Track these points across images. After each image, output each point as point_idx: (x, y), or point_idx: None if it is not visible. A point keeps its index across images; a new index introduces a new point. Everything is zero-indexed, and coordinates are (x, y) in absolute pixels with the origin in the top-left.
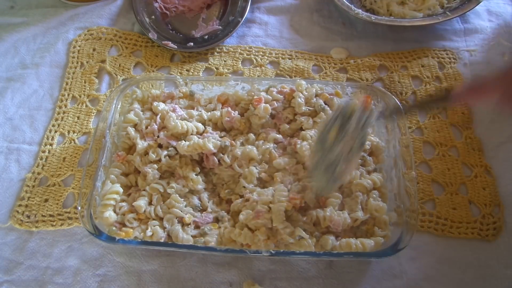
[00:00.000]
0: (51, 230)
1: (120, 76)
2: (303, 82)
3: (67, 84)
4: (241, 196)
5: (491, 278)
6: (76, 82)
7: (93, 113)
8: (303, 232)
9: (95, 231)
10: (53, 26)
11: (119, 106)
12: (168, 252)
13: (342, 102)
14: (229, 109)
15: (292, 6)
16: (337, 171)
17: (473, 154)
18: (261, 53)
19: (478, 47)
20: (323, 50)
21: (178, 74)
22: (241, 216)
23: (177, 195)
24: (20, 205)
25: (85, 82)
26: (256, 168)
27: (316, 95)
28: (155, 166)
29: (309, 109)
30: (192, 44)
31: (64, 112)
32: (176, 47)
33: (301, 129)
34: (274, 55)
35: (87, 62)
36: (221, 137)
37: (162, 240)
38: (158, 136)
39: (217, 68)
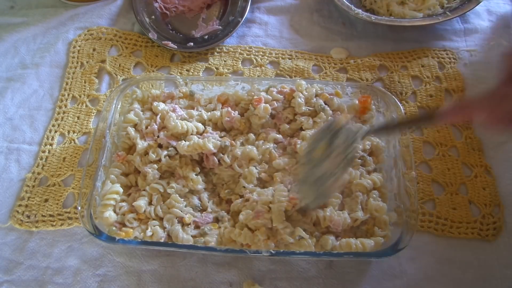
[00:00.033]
0: (51, 230)
1: (120, 76)
2: (303, 82)
3: (67, 84)
4: (241, 196)
5: (491, 278)
6: (76, 82)
7: (93, 113)
8: (303, 232)
9: (95, 231)
10: (53, 26)
11: (119, 106)
12: (168, 252)
13: (330, 118)
14: (229, 109)
15: (292, 6)
16: (324, 186)
17: (473, 154)
18: (261, 53)
19: (478, 47)
20: (323, 50)
21: (178, 74)
22: (241, 216)
23: (177, 195)
24: (20, 205)
25: (85, 82)
26: (256, 168)
27: (316, 95)
28: (155, 166)
29: (309, 109)
30: (192, 44)
31: (64, 112)
32: (176, 47)
33: (301, 129)
34: (274, 55)
35: (87, 62)
36: (221, 137)
37: (162, 240)
38: (158, 136)
39: (217, 68)
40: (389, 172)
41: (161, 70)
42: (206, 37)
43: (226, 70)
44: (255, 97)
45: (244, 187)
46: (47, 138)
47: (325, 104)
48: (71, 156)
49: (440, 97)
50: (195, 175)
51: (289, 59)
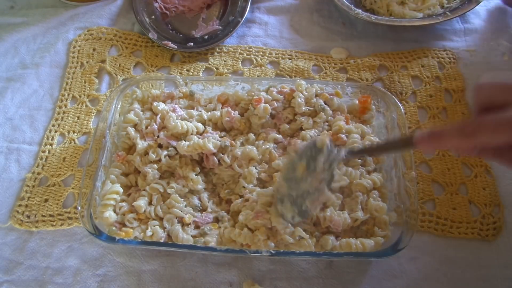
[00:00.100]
0: (51, 230)
1: (120, 76)
2: (303, 82)
3: (67, 84)
4: (241, 196)
5: (491, 278)
6: (76, 82)
7: (93, 113)
8: (303, 232)
9: (95, 231)
10: (53, 26)
11: (119, 106)
12: (168, 252)
13: (312, 140)
14: (229, 109)
15: (292, 6)
16: (305, 204)
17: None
18: (261, 53)
19: (478, 47)
20: (323, 50)
21: (178, 74)
22: (241, 216)
23: (177, 195)
24: (20, 205)
25: (85, 82)
26: (256, 168)
27: (316, 95)
28: (155, 166)
29: (309, 109)
30: (192, 44)
31: (64, 112)
32: (176, 47)
33: (301, 129)
34: (274, 55)
35: (87, 62)
36: (221, 137)
37: (162, 240)
38: (158, 136)
39: (217, 68)
40: (389, 172)
41: (161, 70)
42: (206, 37)
43: (226, 70)
44: (255, 97)
45: (244, 187)
46: (47, 138)
47: (325, 104)
48: (71, 156)
49: (440, 97)
50: (195, 175)
51: (289, 59)
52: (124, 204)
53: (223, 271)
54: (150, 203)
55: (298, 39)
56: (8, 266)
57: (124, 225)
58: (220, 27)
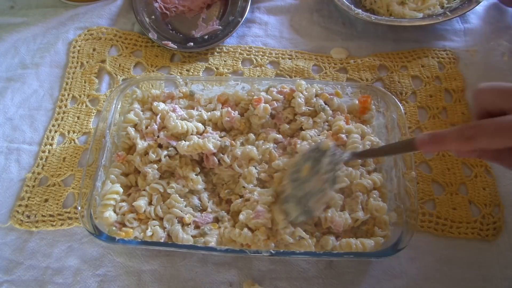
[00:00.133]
0: (51, 230)
1: (120, 76)
2: (303, 82)
3: (67, 84)
4: (241, 196)
5: (491, 278)
6: (76, 82)
7: (93, 113)
8: (303, 232)
9: (95, 231)
10: (53, 26)
11: (119, 106)
12: (168, 252)
13: (316, 143)
14: (229, 109)
15: (292, 6)
16: (309, 204)
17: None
18: (261, 53)
19: (478, 47)
20: (323, 50)
21: (178, 74)
22: (241, 216)
23: (177, 195)
24: (20, 205)
25: (85, 82)
26: (255, 169)
27: (316, 95)
28: (155, 166)
29: (309, 109)
30: (192, 44)
31: (64, 112)
32: (176, 47)
33: (301, 129)
34: (274, 55)
35: (87, 62)
36: (221, 137)
37: (162, 240)
38: (158, 136)
39: (217, 68)
40: (389, 172)
41: (161, 70)
42: (206, 37)
43: (226, 70)
44: (255, 97)
45: (244, 187)
46: (47, 138)
47: (325, 104)
48: (71, 156)
49: (440, 97)
50: (195, 175)
51: (289, 59)
52: (124, 204)
53: (223, 271)
54: (150, 203)
55: (298, 39)
56: (8, 266)
57: (124, 225)
58: (220, 27)
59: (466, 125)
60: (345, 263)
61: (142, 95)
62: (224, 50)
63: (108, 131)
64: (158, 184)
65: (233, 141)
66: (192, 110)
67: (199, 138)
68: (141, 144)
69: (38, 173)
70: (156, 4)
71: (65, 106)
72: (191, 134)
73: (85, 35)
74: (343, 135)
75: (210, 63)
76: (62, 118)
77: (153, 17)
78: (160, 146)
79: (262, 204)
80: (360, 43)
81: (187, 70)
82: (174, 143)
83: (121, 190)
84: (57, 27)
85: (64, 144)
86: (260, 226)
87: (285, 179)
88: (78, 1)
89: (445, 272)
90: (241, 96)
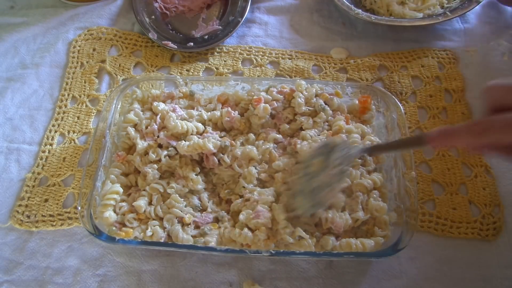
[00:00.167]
0: (51, 230)
1: (120, 76)
2: (303, 82)
3: (67, 84)
4: (241, 196)
5: (491, 278)
6: (76, 82)
7: (93, 113)
8: (303, 232)
9: (95, 231)
10: (53, 26)
11: (119, 106)
12: (168, 252)
13: (327, 139)
14: (229, 109)
15: (292, 6)
16: (320, 197)
17: (473, 154)
18: (261, 53)
19: (478, 47)
20: (323, 50)
21: (178, 74)
22: (241, 216)
23: (177, 195)
24: (20, 205)
25: (85, 82)
26: (255, 169)
27: (316, 95)
28: (155, 166)
29: (309, 109)
30: (192, 44)
31: (64, 112)
32: (176, 47)
33: (301, 129)
34: (274, 55)
35: (87, 62)
36: (221, 137)
37: (162, 240)
38: (158, 136)
39: (217, 68)
40: (389, 172)
41: (161, 70)
42: (206, 37)
43: (226, 70)
44: (255, 97)
45: (244, 187)
46: (47, 138)
47: (325, 104)
48: (71, 156)
49: (440, 97)
50: (195, 175)
51: (289, 59)
52: (124, 204)
53: (223, 271)
54: (150, 203)
55: (298, 39)
56: (8, 266)
57: (124, 225)
58: (220, 27)
59: (477, 120)
60: (345, 263)
61: (142, 95)
62: (224, 50)
63: (108, 131)
64: (158, 184)
65: (233, 141)
66: (192, 110)
67: (199, 138)
68: (141, 144)
69: (38, 173)
70: (156, 4)
71: (65, 106)
72: (191, 134)
73: (85, 35)
74: (343, 135)
75: (210, 63)
76: (62, 118)
77: (153, 17)
78: (160, 146)
79: (262, 204)
80: (360, 43)
81: (187, 70)
82: (174, 143)
83: (121, 190)
84: (57, 27)
85: (64, 144)
86: (260, 226)
87: (294, 175)
88: (78, 1)
89: (445, 272)
90: (241, 96)
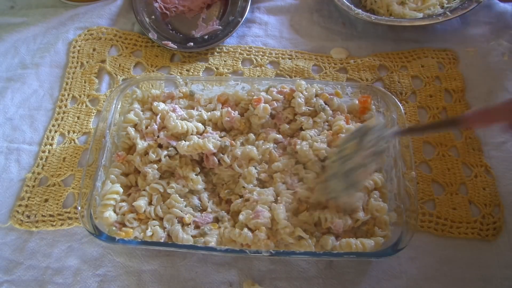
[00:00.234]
0: (51, 230)
1: (120, 76)
2: (303, 82)
3: (67, 84)
4: (241, 196)
5: (491, 278)
6: (76, 82)
7: (93, 113)
8: (303, 232)
9: (95, 231)
10: (53, 26)
11: (119, 106)
12: (168, 252)
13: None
14: (229, 109)
15: (292, 6)
16: (353, 178)
17: (473, 154)
18: (261, 53)
19: (478, 47)
20: (323, 50)
21: (178, 74)
22: (241, 216)
23: (177, 195)
24: (20, 205)
25: (85, 82)
26: (255, 169)
27: (316, 95)
28: (155, 166)
29: (309, 109)
30: (192, 44)
31: (64, 112)
32: (176, 47)
33: (301, 129)
34: (274, 55)
35: (87, 62)
36: (221, 137)
37: (162, 240)
38: (158, 136)
39: (217, 68)
40: (389, 172)
41: (161, 70)
42: (206, 37)
43: (226, 70)
44: (255, 97)
45: (244, 187)
46: (47, 138)
47: (325, 104)
48: (71, 156)
49: (440, 97)
50: (195, 175)
51: (289, 59)
52: (124, 204)
53: (223, 271)
54: (150, 203)
55: (298, 39)
56: (8, 266)
57: (124, 225)
58: (220, 27)
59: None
60: (345, 263)
61: (142, 95)
62: (224, 50)
63: (108, 131)
64: (158, 184)
65: (233, 141)
66: (192, 110)
67: (199, 138)
68: (141, 144)
69: (38, 173)
70: (156, 4)
71: (65, 106)
72: (191, 134)
73: (85, 35)
74: (343, 135)
75: (210, 63)
76: (62, 118)
77: (153, 17)
78: (160, 146)
79: (262, 204)
80: (360, 43)
81: (187, 70)
82: (174, 143)
83: (121, 190)
84: (57, 27)
85: (64, 144)
86: (260, 226)
87: (330, 159)
88: (78, 1)
89: (445, 272)
90: (241, 96)
